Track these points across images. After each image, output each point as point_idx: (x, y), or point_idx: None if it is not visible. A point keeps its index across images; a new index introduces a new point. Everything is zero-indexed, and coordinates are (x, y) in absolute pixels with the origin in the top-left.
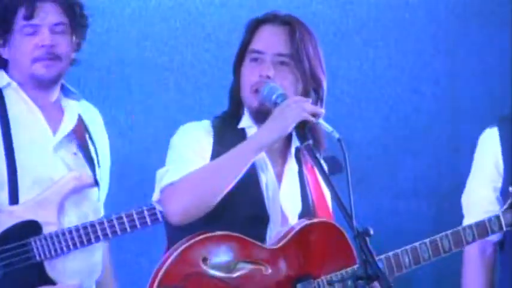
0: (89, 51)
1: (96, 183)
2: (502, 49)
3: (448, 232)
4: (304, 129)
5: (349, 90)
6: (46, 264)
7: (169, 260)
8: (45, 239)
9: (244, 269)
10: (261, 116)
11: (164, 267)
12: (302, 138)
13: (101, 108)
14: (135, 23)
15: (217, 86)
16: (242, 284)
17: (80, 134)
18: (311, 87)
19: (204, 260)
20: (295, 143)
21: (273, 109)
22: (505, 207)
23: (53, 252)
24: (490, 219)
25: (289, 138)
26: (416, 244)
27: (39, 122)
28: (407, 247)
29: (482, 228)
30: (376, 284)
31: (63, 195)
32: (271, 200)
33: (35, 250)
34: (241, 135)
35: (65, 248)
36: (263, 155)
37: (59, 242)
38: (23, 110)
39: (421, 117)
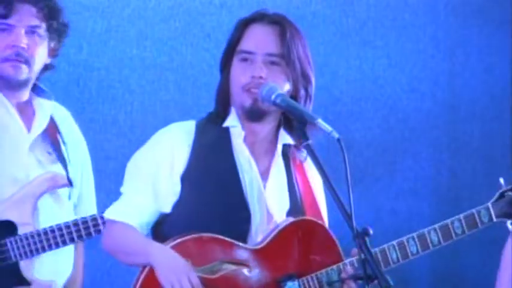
0: (89, 51)
1: (70, 183)
2: (502, 49)
3: (436, 225)
4: (304, 128)
5: (348, 90)
6: (21, 264)
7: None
8: (21, 239)
9: (227, 270)
10: (253, 115)
11: (145, 271)
12: (302, 137)
13: (101, 108)
14: (135, 23)
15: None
16: (225, 285)
17: (52, 134)
18: (301, 85)
19: None
20: (283, 139)
21: (270, 108)
22: (494, 198)
23: (28, 253)
24: (479, 211)
25: (275, 135)
26: (404, 239)
27: (15, 120)
28: (394, 242)
29: (471, 221)
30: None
31: (37, 195)
32: (255, 199)
33: (10, 251)
34: (225, 133)
35: (40, 249)
36: (247, 153)
37: (35, 243)
38: None
39: (421, 117)
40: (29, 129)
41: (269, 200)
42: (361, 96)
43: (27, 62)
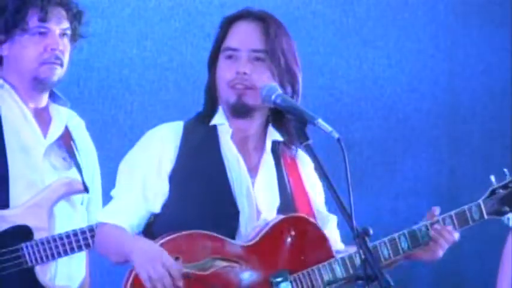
0: (88, 51)
1: (85, 189)
2: (502, 49)
3: (427, 222)
4: (304, 128)
5: (348, 90)
6: (37, 269)
7: None
8: (37, 244)
9: (218, 266)
10: (238, 111)
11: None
12: (302, 137)
13: (101, 108)
14: (135, 23)
15: None
16: (217, 281)
17: (67, 141)
18: (287, 81)
19: (176, 259)
20: (271, 136)
21: (256, 104)
22: (486, 195)
23: (44, 258)
24: (470, 208)
25: (264, 131)
26: (395, 235)
27: (31, 125)
28: (385, 239)
29: (462, 217)
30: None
31: (53, 201)
32: (244, 196)
33: (26, 256)
34: (213, 131)
35: (56, 255)
36: (234, 150)
37: (50, 249)
38: (15, 112)
39: (421, 117)
40: (45, 135)
41: (258, 196)
42: (361, 96)
43: (62, 65)
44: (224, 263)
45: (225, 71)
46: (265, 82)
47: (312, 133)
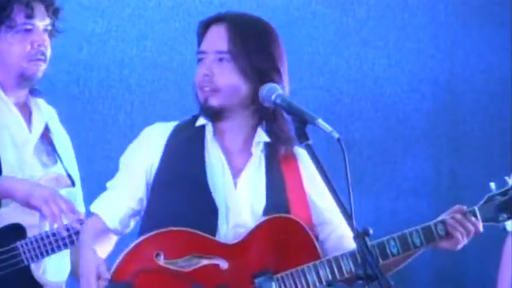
0: (88, 51)
1: (72, 183)
2: (502, 49)
3: (419, 227)
4: (304, 128)
5: (348, 90)
6: (32, 267)
7: (120, 257)
8: (31, 242)
9: (199, 263)
10: (207, 112)
11: (115, 264)
12: (302, 137)
13: (101, 108)
14: (135, 23)
15: None
16: (197, 278)
17: (47, 134)
18: (258, 81)
19: (157, 255)
20: (259, 138)
21: (224, 105)
22: (481, 202)
23: (39, 256)
24: (465, 214)
25: (253, 133)
26: (384, 239)
27: (18, 120)
28: (374, 242)
29: None
30: None
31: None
32: (224, 195)
33: (22, 254)
34: (200, 132)
35: (50, 251)
36: (217, 150)
37: (44, 245)
38: (3, 108)
39: (421, 117)
40: (29, 129)
41: (240, 197)
42: (361, 96)
43: (45, 61)
44: (207, 261)
45: (197, 74)
46: (230, 82)
47: (312, 133)
